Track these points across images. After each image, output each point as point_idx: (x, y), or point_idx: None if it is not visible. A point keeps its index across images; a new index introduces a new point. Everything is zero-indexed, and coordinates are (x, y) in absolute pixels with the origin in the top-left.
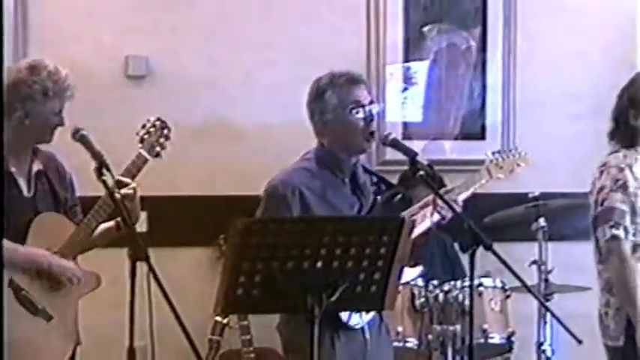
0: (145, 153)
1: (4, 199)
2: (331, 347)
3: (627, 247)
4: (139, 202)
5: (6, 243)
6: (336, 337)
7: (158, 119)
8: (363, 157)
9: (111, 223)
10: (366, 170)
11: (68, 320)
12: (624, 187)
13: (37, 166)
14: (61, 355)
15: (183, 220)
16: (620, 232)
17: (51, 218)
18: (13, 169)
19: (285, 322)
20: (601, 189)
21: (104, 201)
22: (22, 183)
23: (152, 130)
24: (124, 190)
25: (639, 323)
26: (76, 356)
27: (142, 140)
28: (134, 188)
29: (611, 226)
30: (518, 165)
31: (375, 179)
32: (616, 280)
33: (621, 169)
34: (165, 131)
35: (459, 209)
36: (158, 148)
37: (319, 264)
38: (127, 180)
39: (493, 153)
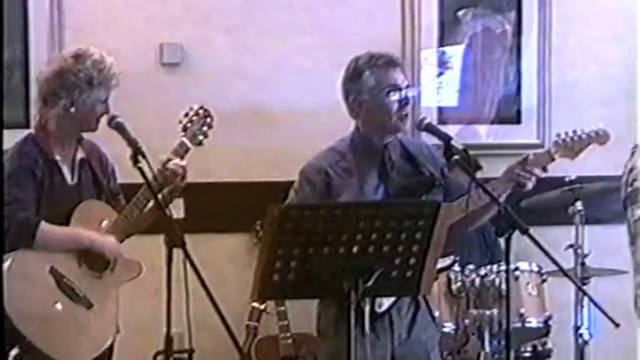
0: (187, 141)
1: (50, 187)
2: (360, 334)
3: None
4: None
5: (46, 226)
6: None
7: (201, 107)
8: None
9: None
10: (408, 157)
11: (109, 308)
12: None
13: (80, 155)
14: (101, 342)
15: (219, 206)
16: None
17: (94, 205)
18: (57, 158)
19: (322, 307)
20: (631, 170)
21: (146, 189)
22: (66, 171)
23: (195, 118)
24: (173, 164)
25: None
26: (114, 344)
27: (184, 129)
28: (183, 167)
29: None
30: (601, 144)
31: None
32: None
33: None
34: (208, 120)
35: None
36: (201, 137)
37: (355, 249)
38: (175, 158)
39: (559, 135)
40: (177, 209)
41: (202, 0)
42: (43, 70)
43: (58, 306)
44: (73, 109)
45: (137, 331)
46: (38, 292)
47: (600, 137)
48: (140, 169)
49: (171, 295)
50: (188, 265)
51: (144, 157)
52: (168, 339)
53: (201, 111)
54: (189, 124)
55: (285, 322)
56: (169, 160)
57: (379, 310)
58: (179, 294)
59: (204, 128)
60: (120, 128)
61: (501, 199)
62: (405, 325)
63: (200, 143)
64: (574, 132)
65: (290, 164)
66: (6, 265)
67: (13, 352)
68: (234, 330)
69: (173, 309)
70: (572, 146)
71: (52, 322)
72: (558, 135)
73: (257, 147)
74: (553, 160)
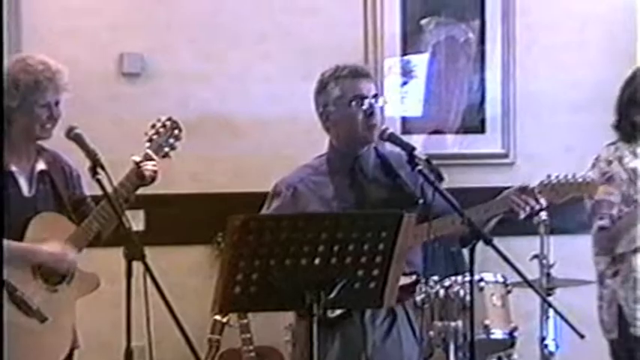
0: (151, 153)
1: (5, 198)
2: (330, 342)
3: None
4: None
5: (6, 242)
6: (332, 332)
7: (169, 119)
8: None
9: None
10: (386, 169)
11: (64, 322)
12: (611, 180)
13: (40, 166)
14: (54, 357)
15: (180, 218)
16: (606, 222)
17: (50, 218)
18: (13, 169)
19: (295, 318)
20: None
21: (105, 202)
22: (23, 183)
23: (162, 130)
24: (149, 166)
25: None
26: (73, 359)
27: (150, 140)
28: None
29: (600, 218)
30: (589, 196)
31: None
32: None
33: (609, 162)
34: (176, 131)
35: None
36: (167, 149)
37: (317, 261)
38: (152, 154)
39: (549, 176)
40: (137, 221)
41: (163, 9)
42: None
43: (11, 320)
44: (13, 116)
45: (97, 345)
46: None
47: (589, 187)
48: (99, 182)
49: (132, 308)
50: (148, 278)
51: (103, 169)
52: (128, 353)
53: (168, 122)
54: (155, 136)
55: (248, 335)
56: (141, 161)
57: (331, 316)
58: (140, 307)
59: (171, 140)
60: (78, 139)
61: (491, 223)
62: (380, 334)
63: (165, 155)
64: (565, 176)
65: (253, 174)
66: None
67: None
68: (196, 343)
69: (133, 322)
70: (558, 190)
71: (5, 337)
72: (548, 176)
73: (219, 157)
74: (536, 199)
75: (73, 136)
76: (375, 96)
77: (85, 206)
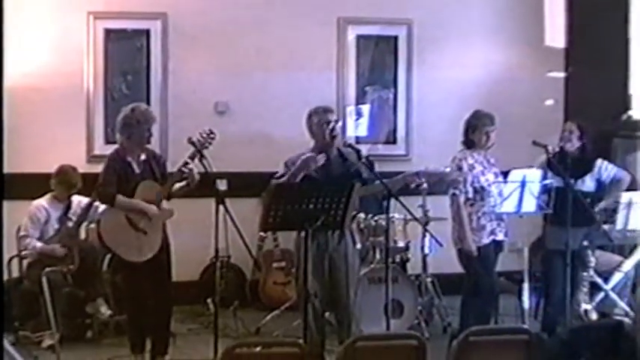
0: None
1: (125, 174)
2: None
3: None
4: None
5: (121, 197)
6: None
7: (210, 129)
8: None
9: (183, 183)
10: (343, 157)
11: (156, 233)
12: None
13: (143, 157)
14: (151, 250)
15: (239, 185)
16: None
17: (148, 183)
18: (129, 159)
19: (297, 236)
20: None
21: (175, 173)
22: (135, 166)
23: (205, 136)
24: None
25: None
26: (170, 248)
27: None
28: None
29: (454, 188)
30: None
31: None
32: None
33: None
34: (212, 135)
35: None
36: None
37: (311, 206)
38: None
39: (426, 168)
40: (222, 185)
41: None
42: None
43: (130, 234)
44: (132, 133)
45: (188, 246)
46: (119, 228)
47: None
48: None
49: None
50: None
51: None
52: (217, 251)
53: (208, 130)
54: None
55: (277, 243)
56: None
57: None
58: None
59: (207, 144)
60: (192, 144)
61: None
62: (335, 241)
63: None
64: (433, 168)
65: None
66: (104, 209)
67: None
68: (251, 245)
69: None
70: (430, 176)
71: (127, 242)
72: (426, 168)
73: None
74: (420, 179)
75: (191, 141)
76: (336, 121)
77: (168, 176)
